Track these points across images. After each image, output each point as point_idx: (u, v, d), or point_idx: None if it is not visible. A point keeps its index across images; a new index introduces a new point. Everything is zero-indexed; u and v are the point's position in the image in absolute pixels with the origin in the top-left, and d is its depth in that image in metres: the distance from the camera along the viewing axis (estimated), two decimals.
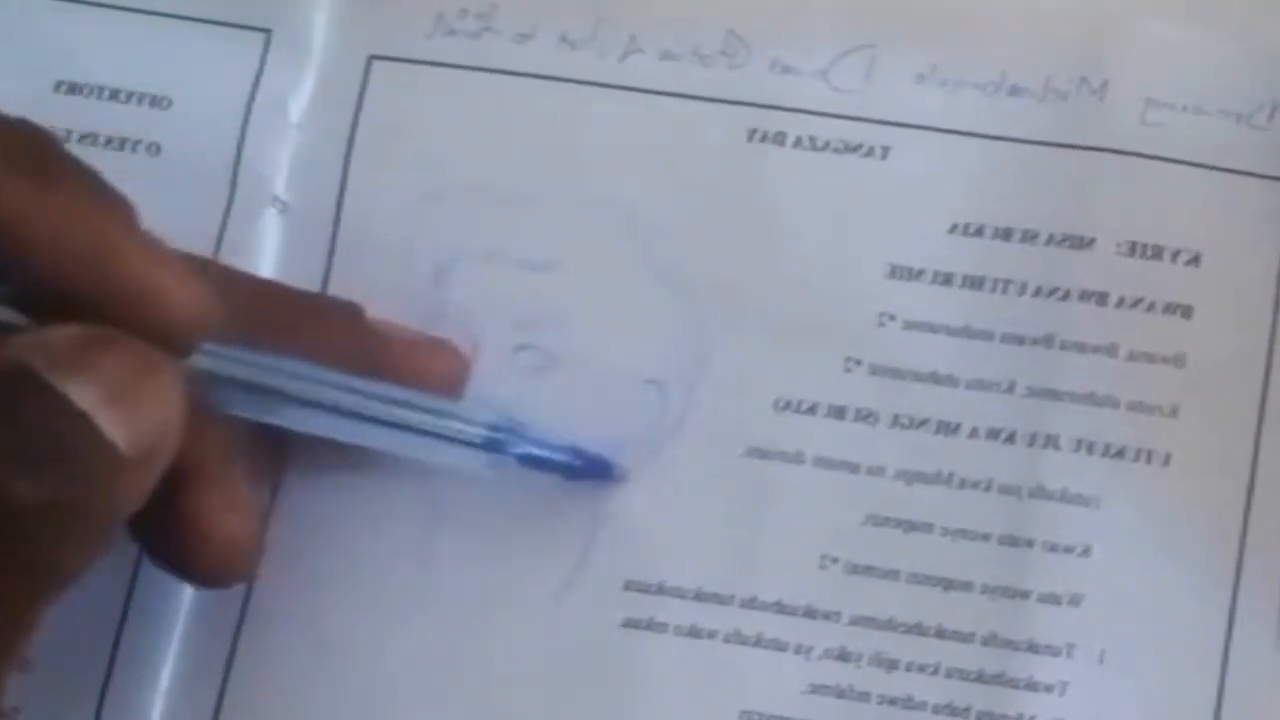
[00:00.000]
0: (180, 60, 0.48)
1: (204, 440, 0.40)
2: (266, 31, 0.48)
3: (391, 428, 0.42)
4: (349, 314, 0.42)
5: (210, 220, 0.46)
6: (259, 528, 0.44)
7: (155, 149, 0.47)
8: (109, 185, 0.39)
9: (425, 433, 0.42)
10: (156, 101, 0.48)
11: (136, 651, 0.45)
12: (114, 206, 0.39)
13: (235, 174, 0.47)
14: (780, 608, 0.44)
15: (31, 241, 0.37)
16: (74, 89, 0.48)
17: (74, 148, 0.46)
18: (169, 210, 0.45)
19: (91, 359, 0.37)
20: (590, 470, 0.45)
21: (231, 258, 0.46)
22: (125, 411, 0.37)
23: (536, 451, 0.44)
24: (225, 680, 0.45)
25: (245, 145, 0.47)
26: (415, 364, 0.42)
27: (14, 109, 0.46)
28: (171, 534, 0.40)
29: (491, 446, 0.43)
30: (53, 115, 0.46)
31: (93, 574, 0.44)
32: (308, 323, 0.41)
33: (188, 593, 0.45)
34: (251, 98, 0.47)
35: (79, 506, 0.37)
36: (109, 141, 0.47)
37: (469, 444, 0.43)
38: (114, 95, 0.48)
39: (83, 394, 0.36)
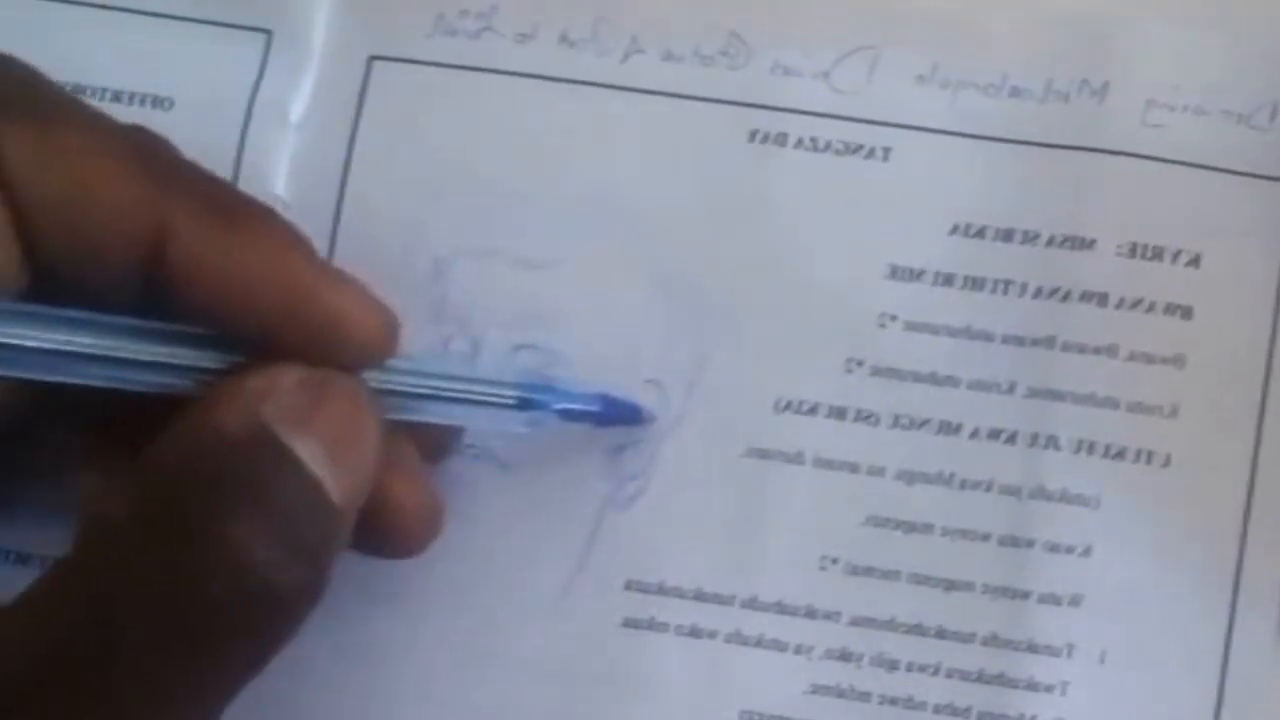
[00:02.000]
0: (181, 61, 0.48)
1: None
2: (267, 32, 0.47)
3: (426, 399, 0.41)
4: (297, 237, 0.41)
5: None
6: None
7: None
8: (285, 218, 0.40)
9: (461, 400, 0.42)
10: (158, 102, 0.47)
11: None
12: (289, 234, 0.39)
13: (236, 174, 0.47)
14: (781, 608, 0.44)
15: (221, 283, 0.38)
16: (77, 90, 0.47)
17: None
18: None
19: (318, 409, 0.37)
20: (620, 415, 0.45)
21: None
22: (345, 466, 0.37)
23: (570, 405, 0.44)
24: None
25: (246, 145, 0.47)
26: (342, 302, 0.40)
27: None
28: (366, 517, 0.40)
29: (526, 405, 0.43)
30: None
31: None
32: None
33: None
34: (252, 98, 0.47)
35: (321, 580, 0.37)
36: None
37: (504, 406, 0.43)
38: (116, 96, 0.48)
39: (311, 453, 0.37)
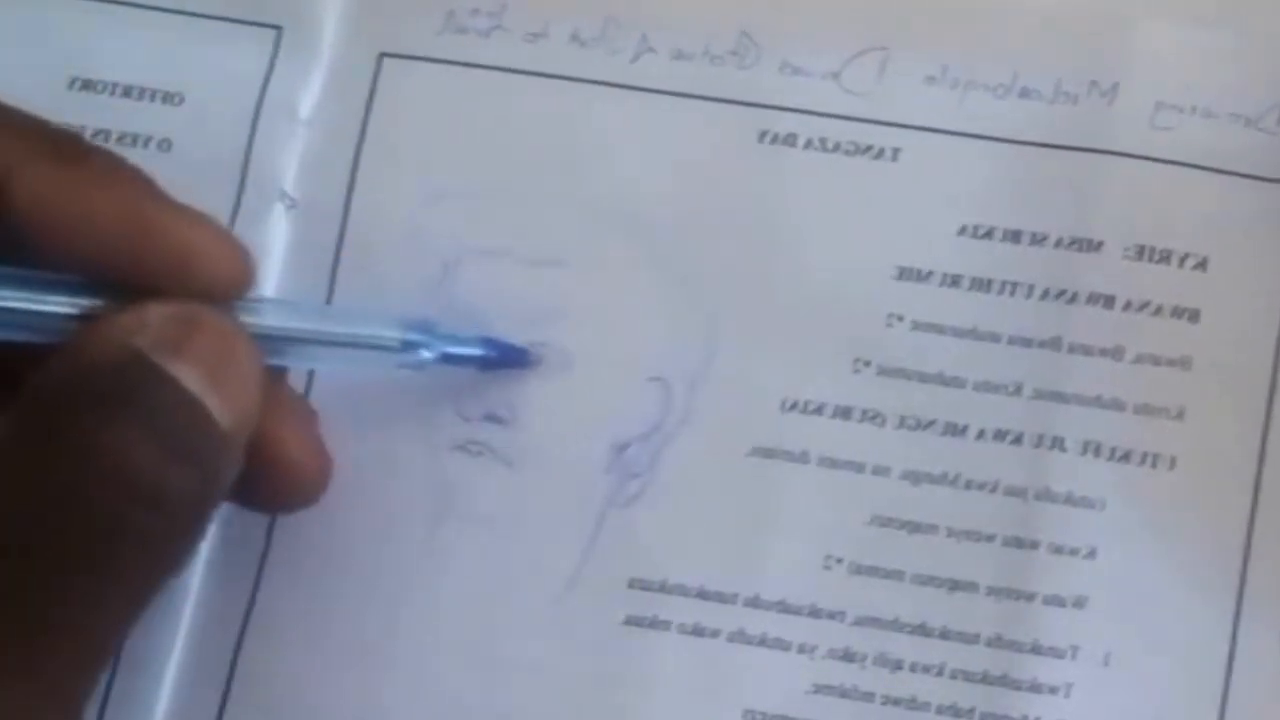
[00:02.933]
0: (192, 57, 0.48)
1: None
2: (277, 28, 0.48)
3: (306, 344, 0.42)
4: (142, 176, 0.41)
5: (219, 215, 0.46)
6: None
7: (166, 145, 0.47)
8: (125, 159, 0.40)
9: (340, 343, 0.42)
10: (168, 98, 0.48)
11: (141, 647, 0.45)
12: (136, 176, 0.40)
13: (245, 170, 0.47)
14: (784, 607, 0.44)
15: (65, 221, 0.38)
16: (87, 85, 0.48)
17: None
18: None
19: (190, 339, 0.38)
20: (505, 359, 0.45)
21: None
22: (226, 391, 0.38)
23: (452, 349, 0.44)
24: (230, 675, 0.45)
25: (255, 141, 0.47)
26: (191, 235, 0.40)
27: (28, 105, 0.47)
28: (250, 467, 0.40)
29: (408, 348, 0.43)
30: (66, 112, 0.47)
31: None
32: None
33: (194, 585, 0.45)
34: (262, 94, 0.47)
35: (205, 489, 0.38)
36: (121, 138, 0.47)
37: (385, 349, 0.43)
38: (126, 92, 0.48)
39: (188, 375, 0.37)
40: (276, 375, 0.43)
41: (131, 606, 0.37)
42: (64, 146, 0.40)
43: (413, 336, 0.43)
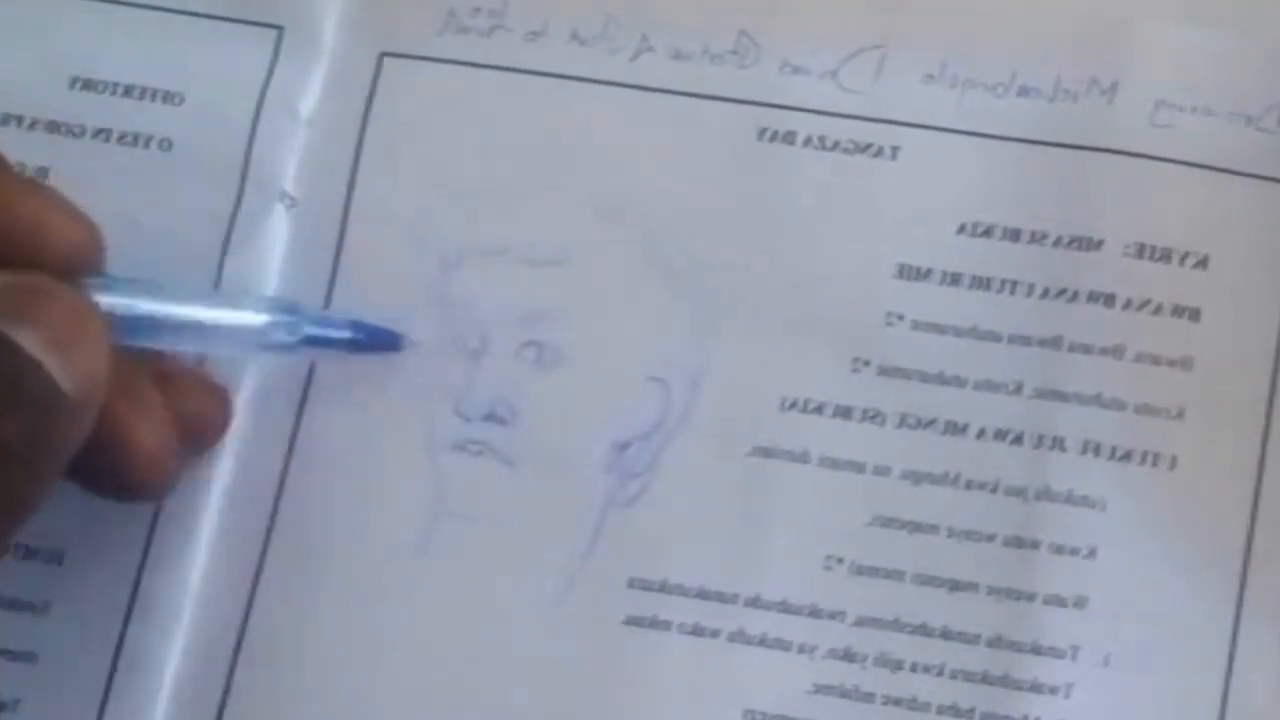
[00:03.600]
0: (193, 57, 0.48)
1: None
2: (278, 28, 0.48)
3: (164, 323, 0.42)
4: None
5: (219, 215, 0.46)
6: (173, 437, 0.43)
7: (167, 144, 0.47)
8: None
9: (206, 325, 0.43)
10: (169, 97, 0.48)
11: (141, 646, 0.45)
12: None
13: (245, 169, 0.47)
14: (785, 607, 0.44)
15: None
16: (89, 85, 0.48)
17: (88, 143, 0.47)
18: (179, 204, 0.46)
19: (34, 307, 0.38)
20: (374, 343, 0.45)
21: (240, 252, 0.46)
22: (69, 356, 0.38)
23: (319, 332, 0.44)
24: (230, 674, 0.45)
25: (256, 141, 0.47)
26: (38, 210, 0.40)
27: (30, 105, 0.47)
28: (96, 454, 0.40)
29: (274, 331, 0.43)
30: (68, 111, 0.47)
31: (97, 567, 0.45)
32: None
33: (193, 586, 0.45)
34: (263, 94, 0.47)
35: (41, 445, 0.38)
36: (122, 137, 0.47)
37: (251, 331, 0.43)
38: (128, 91, 0.48)
39: (31, 341, 0.38)
40: (134, 366, 0.42)
41: None
42: None
43: (277, 318, 0.43)
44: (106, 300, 0.41)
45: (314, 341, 0.44)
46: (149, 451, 0.42)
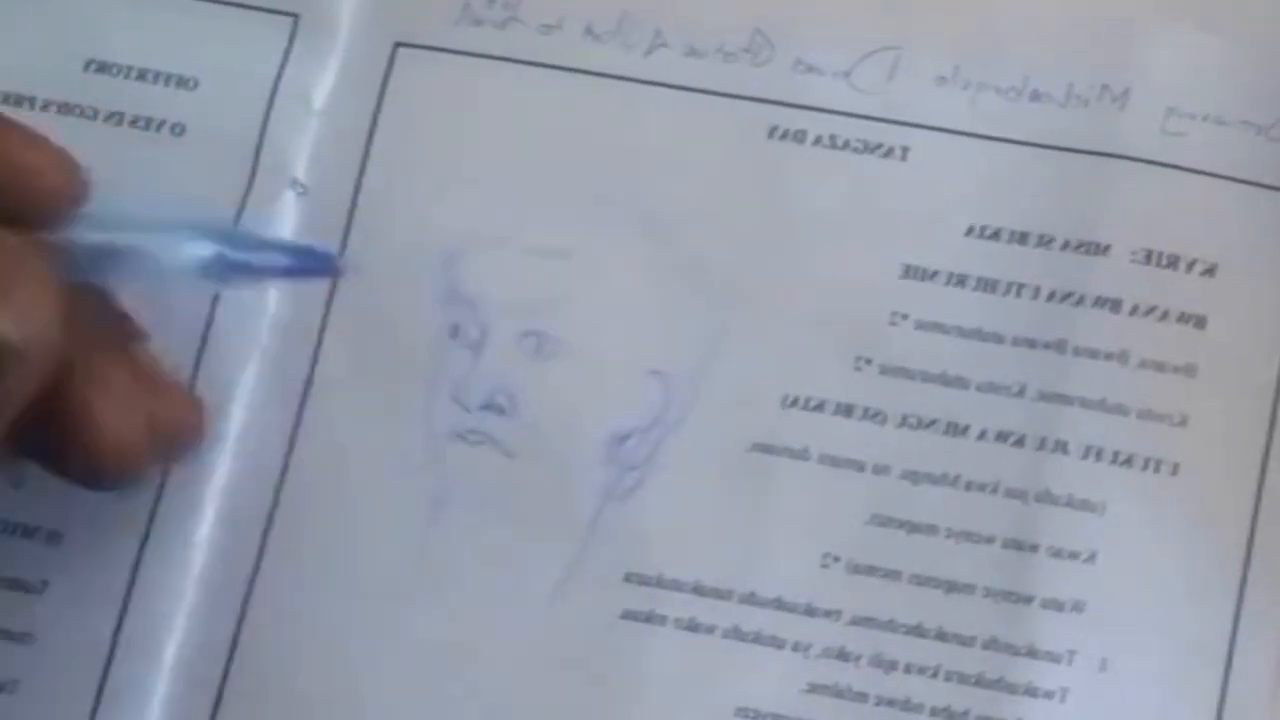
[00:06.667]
0: (208, 42, 0.48)
1: (77, 331, 0.40)
2: (294, 16, 0.48)
3: (97, 254, 0.41)
4: None
5: (230, 200, 0.46)
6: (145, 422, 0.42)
7: (180, 129, 0.47)
8: None
9: (136, 254, 0.41)
10: (183, 82, 0.48)
11: (140, 627, 0.45)
12: None
13: (257, 156, 0.47)
14: (780, 605, 0.44)
15: None
16: (103, 68, 0.48)
17: (101, 126, 0.47)
18: (190, 189, 0.46)
19: None
20: (309, 268, 0.44)
21: None
22: (10, 303, 0.37)
23: (250, 259, 0.42)
24: (228, 667, 0.45)
25: (268, 128, 0.47)
26: (28, 155, 0.40)
27: (44, 87, 0.47)
28: (59, 433, 0.40)
29: (206, 267, 0.41)
30: (82, 94, 0.47)
31: (95, 555, 0.45)
32: None
33: (192, 579, 0.45)
34: (276, 81, 0.47)
35: None
36: (135, 121, 0.47)
37: (181, 268, 0.41)
38: (142, 75, 0.48)
39: None
40: (110, 356, 0.42)
41: None
42: None
43: (206, 245, 0.41)
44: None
45: (246, 270, 0.42)
46: (113, 435, 0.41)
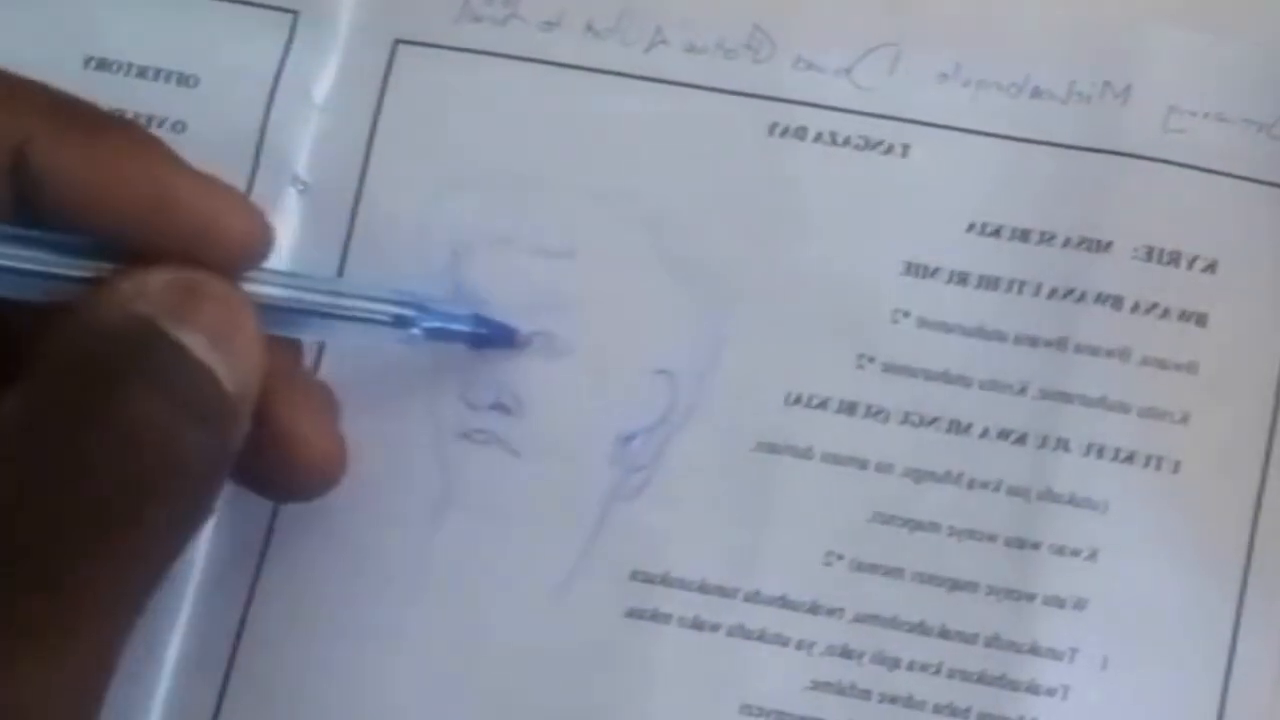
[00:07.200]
0: (208, 39, 0.48)
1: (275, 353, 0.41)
2: (294, 13, 0.48)
3: (295, 313, 0.42)
4: (160, 144, 0.41)
5: None
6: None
7: (181, 126, 0.47)
8: (145, 129, 0.41)
9: (333, 315, 0.43)
10: (184, 79, 0.48)
11: (141, 633, 0.44)
12: (156, 145, 0.40)
13: (258, 153, 0.47)
14: (784, 603, 0.44)
15: (84, 189, 0.38)
16: (103, 65, 0.48)
17: None
18: None
19: (193, 305, 0.38)
20: (494, 337, 0.45)
21: None
22: (230, 356, 0.38)
23: (442, 324, 0.44)
24: (231, 661, 0.45)
25: (269, 125, 0.47)
26: (210, 204, 0.40)
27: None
28: (266, 453, 0.41)
29: (400, 324, 0.43)
30: (82, 91, 0.46)
31: None
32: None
33: (195, 571, 0.45)
34: (277, 78, 0.47)
35: (219, 455, 0.38)
36: (136, 118, 0.47)
37: (377, 323, 0.43)
38: (142, 72, 0.48)
39: (195, 341, 0.37)
40: (293, 361, 0.44)
41: (157, 573, 0.37)
42: (83, 116, 0.40)
43: (404, 311, 0.43)
44: (252, 290, 0.41)
45: (437, 335, 0.44)
46: (315, 449, 0.42)
